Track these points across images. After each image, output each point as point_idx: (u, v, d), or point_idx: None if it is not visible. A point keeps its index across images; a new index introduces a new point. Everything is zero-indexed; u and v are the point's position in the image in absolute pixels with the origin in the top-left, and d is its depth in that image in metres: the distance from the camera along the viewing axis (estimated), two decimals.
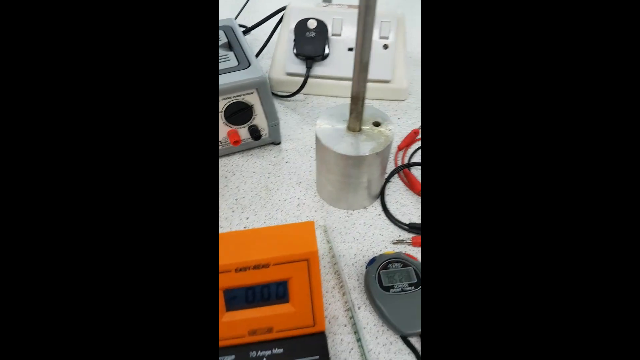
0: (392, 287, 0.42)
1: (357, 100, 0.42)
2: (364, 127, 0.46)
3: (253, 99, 0.52)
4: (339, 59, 0.63)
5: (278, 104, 0.66)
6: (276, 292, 0.37)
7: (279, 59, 0.66)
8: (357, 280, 0.45)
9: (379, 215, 0.51)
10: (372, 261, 0.45)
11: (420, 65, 0.74)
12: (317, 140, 0.46)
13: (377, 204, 0.53)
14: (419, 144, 0.60)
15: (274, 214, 0.51)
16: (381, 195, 0.53)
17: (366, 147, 0.44)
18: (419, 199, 0.53)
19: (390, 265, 0.44)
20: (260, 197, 0.53)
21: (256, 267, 0.36)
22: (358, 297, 0.44)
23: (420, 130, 0.61)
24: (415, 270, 0.43)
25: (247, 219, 0.51)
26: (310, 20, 0.61)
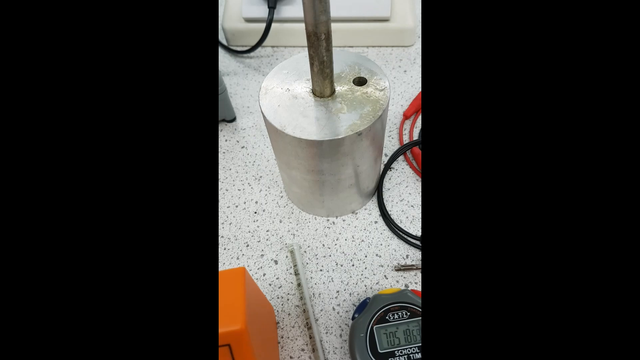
0: (393, 355, 0.25)
1: (318, 40, 0.24)
2: (340, 89, 0.28)
3: None
4: None
5: (236, 63, 0.48)
6: None
7: (232, 1, 0.47)
8: (341, 336, 0.29)
9: (376, 222, 0.34)
10: (362, 306, 0.28)
11: None
12: (264, 117, 0.28)
13: (373, 205, 0.35)
14: None
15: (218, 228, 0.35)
16: (378, 191, 0.35)
17: (342, 124, 0.26)
18: None
19: (389, 315, 0.27)
20: None
21: None
22: None
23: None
24: None
25: None
26: None
